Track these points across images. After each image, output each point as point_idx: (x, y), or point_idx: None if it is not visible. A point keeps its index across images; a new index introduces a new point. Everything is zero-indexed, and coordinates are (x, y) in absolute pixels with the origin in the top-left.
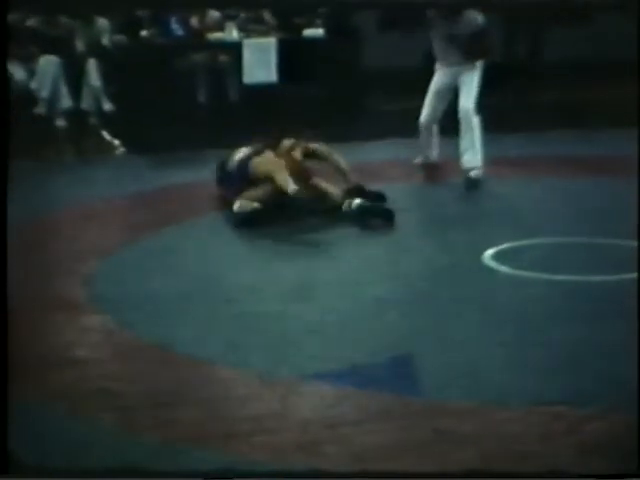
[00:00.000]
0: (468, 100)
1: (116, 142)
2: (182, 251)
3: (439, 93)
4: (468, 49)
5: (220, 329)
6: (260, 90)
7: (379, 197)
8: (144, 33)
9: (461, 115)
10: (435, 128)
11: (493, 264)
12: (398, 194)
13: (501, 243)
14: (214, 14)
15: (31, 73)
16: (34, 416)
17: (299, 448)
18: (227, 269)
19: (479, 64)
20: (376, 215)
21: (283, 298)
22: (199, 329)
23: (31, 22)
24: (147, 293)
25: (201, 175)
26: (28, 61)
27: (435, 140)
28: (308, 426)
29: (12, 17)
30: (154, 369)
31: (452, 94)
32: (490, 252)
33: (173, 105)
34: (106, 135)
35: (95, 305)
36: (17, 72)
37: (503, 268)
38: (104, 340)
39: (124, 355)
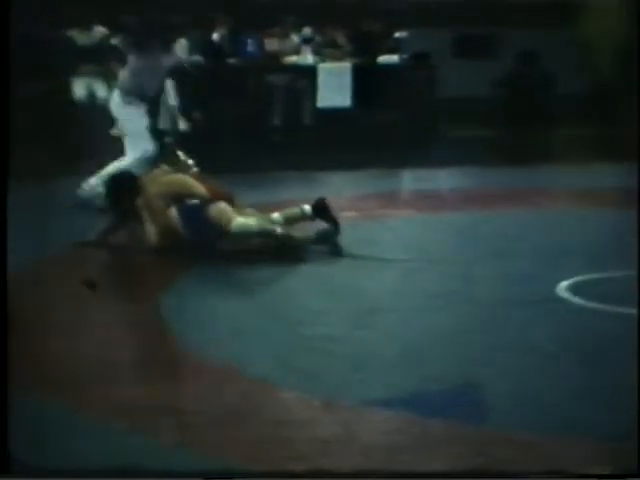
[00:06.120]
0: None
1: (190, 161)
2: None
3: None
4: None
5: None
6: (334, 114)
7: None
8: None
9: None
10: None
11: (567, 295)
12: (467, 223)
13: (576, 275)
14: (291, 37)
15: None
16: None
17: (360, 473)
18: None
19: None
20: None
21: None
22: (264, 352)
23: (114, 41)
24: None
25: (272, 197)
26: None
27: None
28: (370, 452)
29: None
30: (218, 389)
31: None
32: (565, 283)
33: (248, 126)
34: (181, 155)
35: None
36: (99, 89)
37: (577, 299)
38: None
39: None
